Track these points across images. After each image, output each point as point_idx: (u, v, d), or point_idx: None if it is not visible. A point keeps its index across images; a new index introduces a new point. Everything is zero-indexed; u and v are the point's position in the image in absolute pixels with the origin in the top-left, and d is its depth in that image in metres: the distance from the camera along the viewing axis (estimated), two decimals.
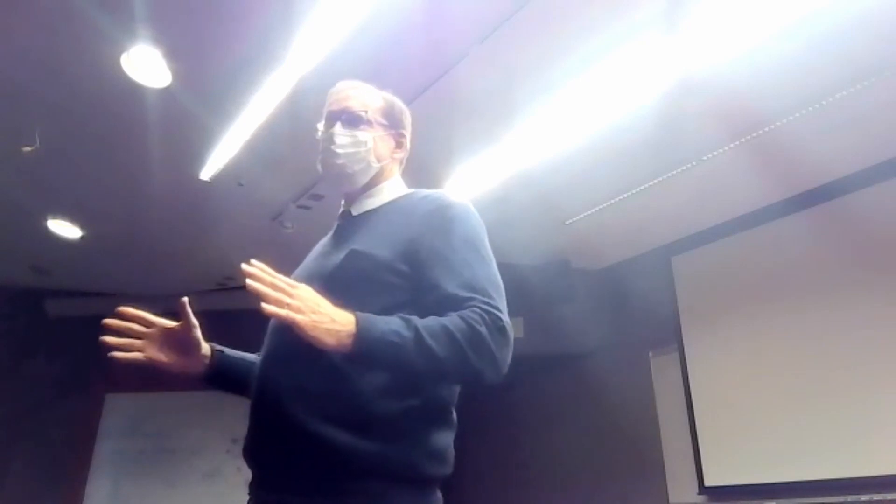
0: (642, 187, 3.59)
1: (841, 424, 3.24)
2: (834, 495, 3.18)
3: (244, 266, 0.98)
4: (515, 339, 1.13)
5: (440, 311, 1.05)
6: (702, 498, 3.79)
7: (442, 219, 1.16)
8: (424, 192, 1.27)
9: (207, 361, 1.23)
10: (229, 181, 3.50)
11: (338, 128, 1.26)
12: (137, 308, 1.19)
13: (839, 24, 2.42)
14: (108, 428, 5.08)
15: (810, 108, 2.90)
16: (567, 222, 4.03)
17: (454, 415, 1.16)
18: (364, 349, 0.97)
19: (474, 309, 1.04)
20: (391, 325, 1.00)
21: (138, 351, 1.15)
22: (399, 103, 1.37)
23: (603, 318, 4.61)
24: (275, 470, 1.06)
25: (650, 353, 4.35)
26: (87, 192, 3.76)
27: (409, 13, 2.36)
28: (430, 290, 1.09)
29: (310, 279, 1.11)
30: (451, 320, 1.02)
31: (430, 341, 0.98)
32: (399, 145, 1.34)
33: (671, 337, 4.16)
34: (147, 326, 1.18)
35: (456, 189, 3.46)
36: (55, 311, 5.24)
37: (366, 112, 1.28)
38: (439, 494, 1.11)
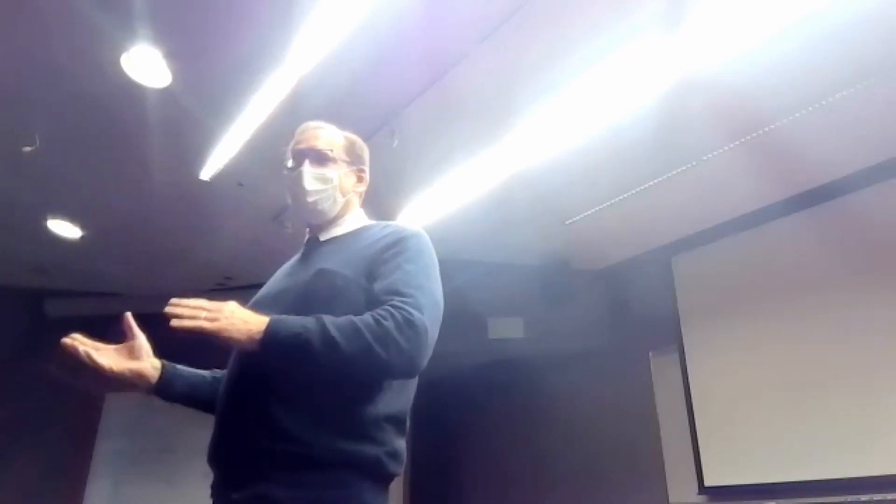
0: (642, 187, 3.59)
1: (841, 424, 3.24)
2: (834, 495, 3.18)
3: (167, 309, 1.09)
4: (515, 339, 1.19)
5: (368, 310, 1.16)
6: (702, 498, 3.79)
7: (397, 242, 1.29)
8: (385, 223, 1.41)
9: (158, 373, 1.30)
10: (229, 181, 3.50)
11: (307, 166, 1.37)
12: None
13: (839, 23, 2.42)
14: (108, 428, 5.08)
15: (810, 108, 2.90)
16: (567, 222, 4.03)
17: (407, 421, 1.28)
18: (270, 342, 1.08)
19: (385, 307, 1.14)
20: (300, 321, 1.11)
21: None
22: (359, 141, 1.49)
23: (603, 318, 4.61)
24: (250, 466, 1.13)
25: (650, 354, 4.35)
26: (87, 192, 3.76)
27: (409, 13, 2.36)
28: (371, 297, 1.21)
29: (280, 295, 1.29)
30: (361, 318, 1.12)
31: (334, 334, 1.08)
32: (360, 180, 1.48)
33: (671, 337, 4.16)
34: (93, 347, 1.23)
35: (455, 190, 3.46)
36: (55, 311, 5.24)
37: (332, 150, 1.41)
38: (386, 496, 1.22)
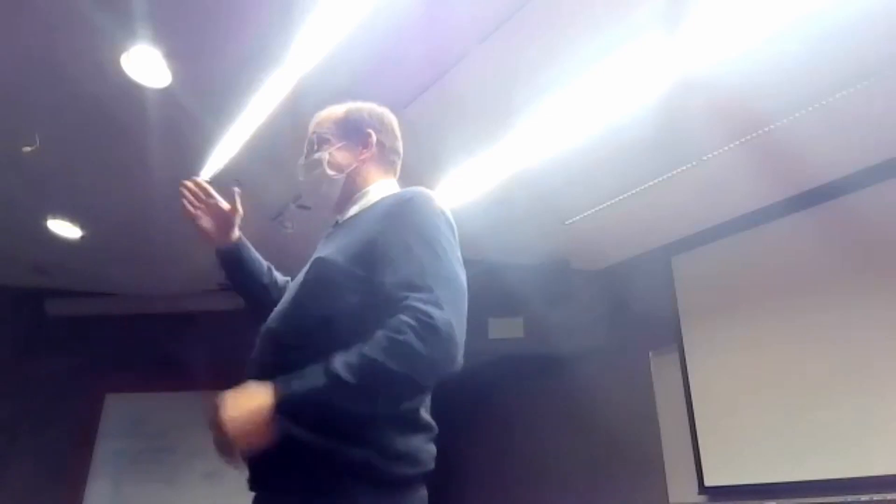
0: (642, 187, 3.59)
1: (841, 424, 3.24)
2: (834, 495, 3.17)
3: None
4: (515, 339, 1.16)
5: (385, 314, 1.06)
6: (702, 498, 3.79)
7: (398, 213, 1.18)
8: (398, 191, 1.30)
9: (232, 244, 1.44)
10: (229, 181, 3.49)
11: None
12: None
13: (839, 23, 2.42)
14: (108, 428, 5.07)
15: (810, 108, 2.90)
16: (567, 222, 4.03)
17: (424, 417, 1.18)
18: (290, 424, 1.00)
19: (401, 315, 1.04)
20: (307, 382, 1.01)
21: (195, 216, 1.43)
22: (362, 108, 1.40)
23: (603, 319, 4.61)
24: (254, 469, 1.12)
25: (650, 353, 4.35)
26: (87, 192, 3.75)
27: (408, 13, 2.36)
28: (378, 290, 1.10)
29: (291, 288, 1.28)
30: (373, 343, 1.02)
31: (349, 378, 0.99)
32: (366, 146, 1.36)
33: (671, 337, 4.16)
34: (206, 196, 1.45)
35: (455, 190, 3.46)
36: (55, 311, 5.24)
37: (316, 134, 1.37)
38: (423, 492, 1.13)
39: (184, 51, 2.63)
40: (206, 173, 3.45)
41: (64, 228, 4.12)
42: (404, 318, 1.03)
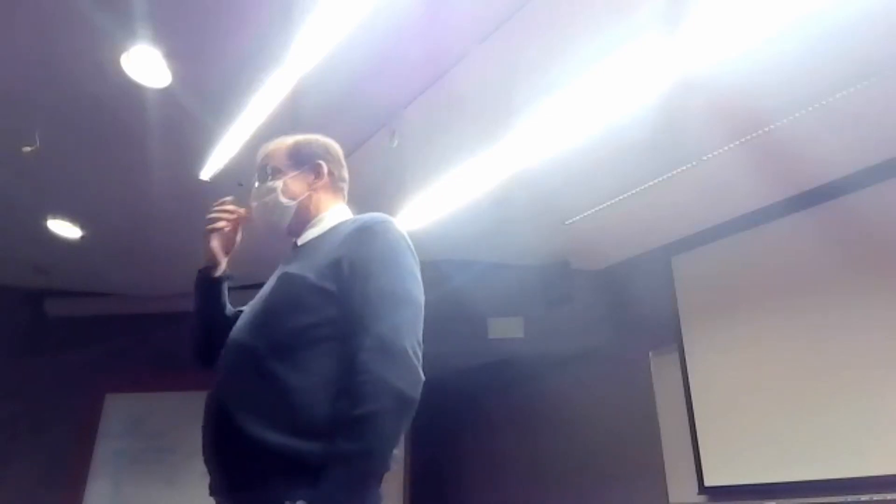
0: (642, 187, 3.59)
1: (841, 424, 3.24)
2: (834, 495, 3.18)
3: None
4: (515, 339, 1.16)
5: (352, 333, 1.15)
6: (702, 498, 3.79)
7: (360, 238, 1.25)
8: (354, 218, 1.37)
9: (217, 271, 1.51)
10: (229, 181, 3.50)
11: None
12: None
13: (839, 23, 2.42)
14: (108, 428, 5.08)
15: (810, 108, 2.90)
16: (567, 222, 4.03)
17: None
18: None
19: (360, 353, 1.10)
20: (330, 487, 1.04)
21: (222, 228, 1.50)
22: (310, 140, 1.48)
23: (603, 319, 4.61)
24: (220, 473, 1.18)
25: (650, 353, 4.35)
26: (87, 192, 3.76)
27: (408, 13, 2.36)
28: (346, 305, 1.18)
29: (255, 304, 1.32)
30: (352, 412, 1.06)
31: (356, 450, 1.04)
32: (318, 175, 1.43)
33: (671, 337, 4.16)
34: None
35: (455, 190, 3.46)
36: (55, 311, 5.24)
37: (267, 164, 1.44)
38: (379, 492, 1.16)
39: (184, 51, 2.63)
40: (206, 173, 3.45)
41: (64, 228, 4.12)
42: (363, 356, 1.10)
